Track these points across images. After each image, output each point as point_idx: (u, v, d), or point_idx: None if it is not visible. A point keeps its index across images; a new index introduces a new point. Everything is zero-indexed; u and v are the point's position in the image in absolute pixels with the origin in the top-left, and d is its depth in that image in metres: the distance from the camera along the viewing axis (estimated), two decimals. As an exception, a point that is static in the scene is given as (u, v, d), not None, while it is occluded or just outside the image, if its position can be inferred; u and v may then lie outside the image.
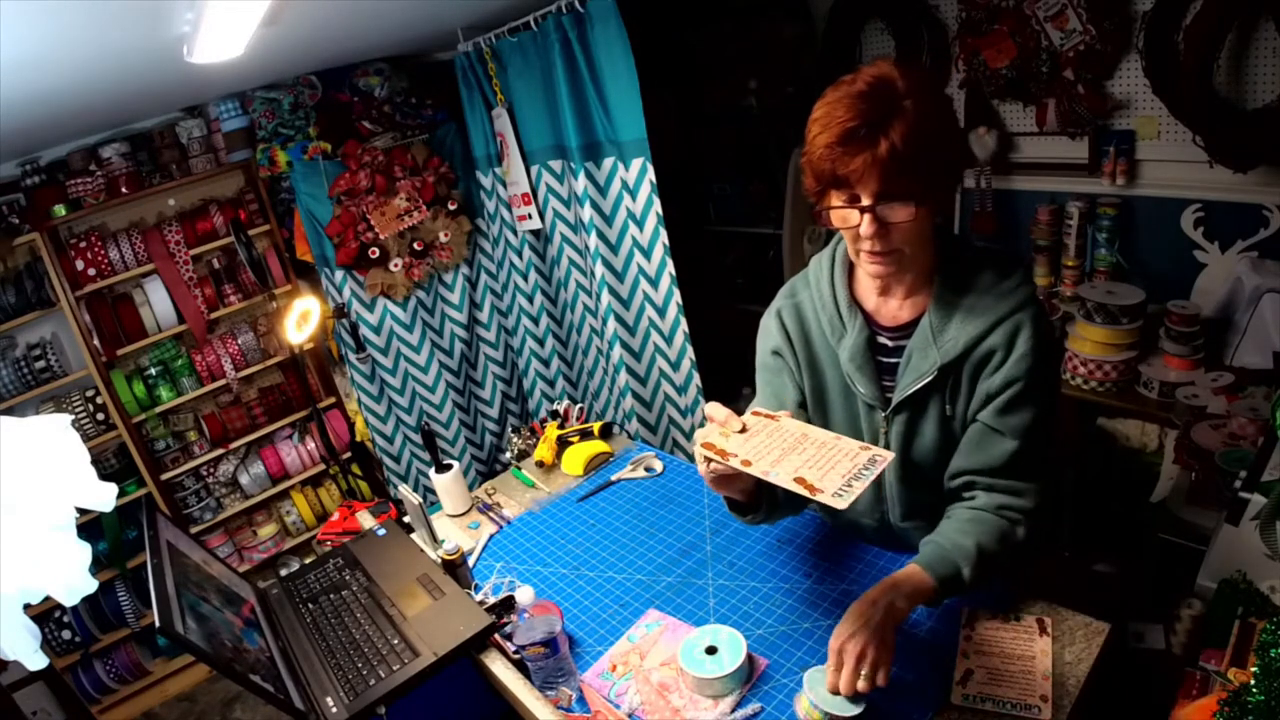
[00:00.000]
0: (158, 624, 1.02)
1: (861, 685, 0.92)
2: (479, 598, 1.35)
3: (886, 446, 1.14)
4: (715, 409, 1.03)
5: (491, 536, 1.63)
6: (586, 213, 2.23)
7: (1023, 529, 1.07)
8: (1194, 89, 1.89)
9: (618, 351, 2.35)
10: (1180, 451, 1.82)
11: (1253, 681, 0.85)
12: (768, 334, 1.27)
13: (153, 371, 2.71)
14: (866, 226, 0.99)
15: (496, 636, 1.23)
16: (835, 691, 0.94)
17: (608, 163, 2.13)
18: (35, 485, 0.98)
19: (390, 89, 2.76)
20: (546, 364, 2.93)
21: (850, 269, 1.19)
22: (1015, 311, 1.05)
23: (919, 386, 1.08)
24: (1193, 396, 1.87)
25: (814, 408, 1.23)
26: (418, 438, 2.92)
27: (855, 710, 0.94)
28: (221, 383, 2.80)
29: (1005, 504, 1.08)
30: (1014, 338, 1.04)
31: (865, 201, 0.98)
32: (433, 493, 1.77)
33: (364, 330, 2.73)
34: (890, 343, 1.14)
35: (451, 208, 2.78)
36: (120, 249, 2.58)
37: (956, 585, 1.03)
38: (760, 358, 1.30)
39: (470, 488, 1.80)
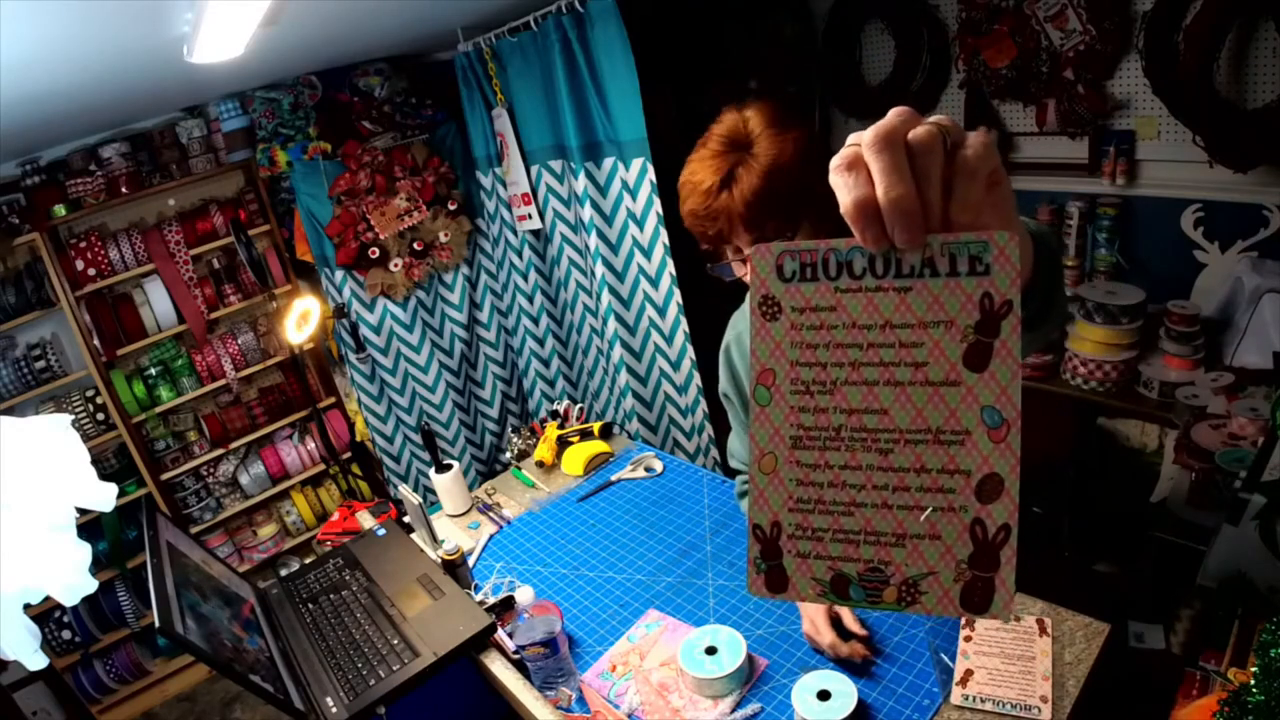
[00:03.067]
0: (158, 624, 1.02)
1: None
2: (479, 598, 1.35)
3: None
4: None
5: (491, 536, 1.63)
6: (587, 213, 2.23)
7: None
8: (1194, 89, 1.88)
9: (618, 351, 2.35)
10: (1180, 451, 1.82)
11: (1253, 681, 0.85)
12: (721, 372, 1.31)
13: (153, 371, 2.71)
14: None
15: (496, 636, 1.23)
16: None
17: (608, 163, 2.13)
18: (35, 485, 0.98)
19: (390, 89, 2.76)
20: (546, 364, 2.93)
21: None
22: None
23: None
24: (1193, 396, 1.87)
25: None
26: (418, 438, 2.91)
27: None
28: (221, 383, 2.80)
29: None
30: None
31: (746, 251, 0.99)
32: (433, 493, 1.77)
33: (364, 330, 2.73)
34: None
35: (451, 208, 2.78)
36: (120, 249, 2.58)
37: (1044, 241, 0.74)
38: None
39: (470, 488, 1.80)
